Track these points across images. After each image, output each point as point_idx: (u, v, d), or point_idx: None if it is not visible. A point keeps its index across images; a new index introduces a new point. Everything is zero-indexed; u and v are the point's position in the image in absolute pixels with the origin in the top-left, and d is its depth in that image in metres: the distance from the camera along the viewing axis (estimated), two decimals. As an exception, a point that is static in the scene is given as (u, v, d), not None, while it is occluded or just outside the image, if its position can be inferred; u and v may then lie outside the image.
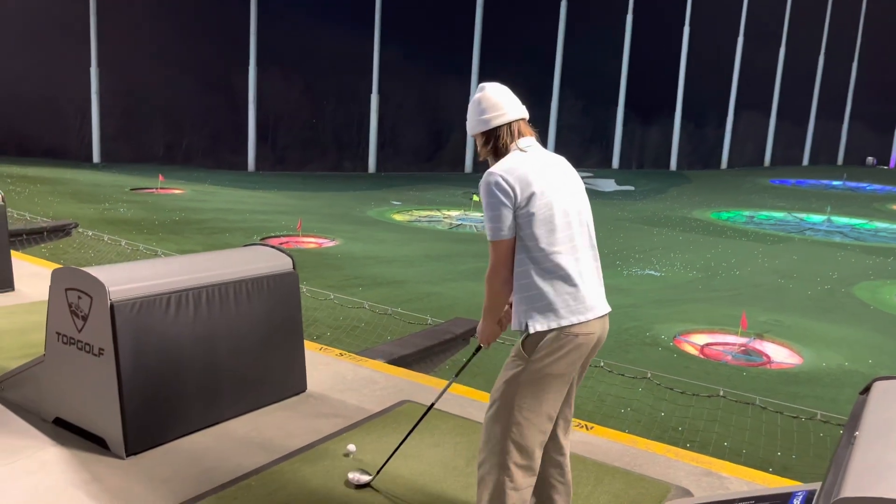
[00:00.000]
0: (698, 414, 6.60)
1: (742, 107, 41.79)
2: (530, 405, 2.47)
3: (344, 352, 5.30)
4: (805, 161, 46.02)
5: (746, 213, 27.33)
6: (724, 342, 11.13)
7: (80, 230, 13.86)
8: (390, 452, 3.39)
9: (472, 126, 2.65)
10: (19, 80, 28.68)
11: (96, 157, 33.37)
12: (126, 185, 24.01)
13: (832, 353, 10.24)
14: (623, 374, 7.06)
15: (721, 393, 6.67)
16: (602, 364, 7.24)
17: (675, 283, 15.17)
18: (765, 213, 27.52)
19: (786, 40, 42.45)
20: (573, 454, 3.55)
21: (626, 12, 39.33)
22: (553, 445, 2.70)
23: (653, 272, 16.09)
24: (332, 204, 24.88)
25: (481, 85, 2.69)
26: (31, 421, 3.68)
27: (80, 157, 32.84)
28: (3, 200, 5.56)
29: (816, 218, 26.46)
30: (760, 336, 11.16)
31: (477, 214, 21.90)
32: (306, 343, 4.55)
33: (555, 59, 38.84)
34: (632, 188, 33.21)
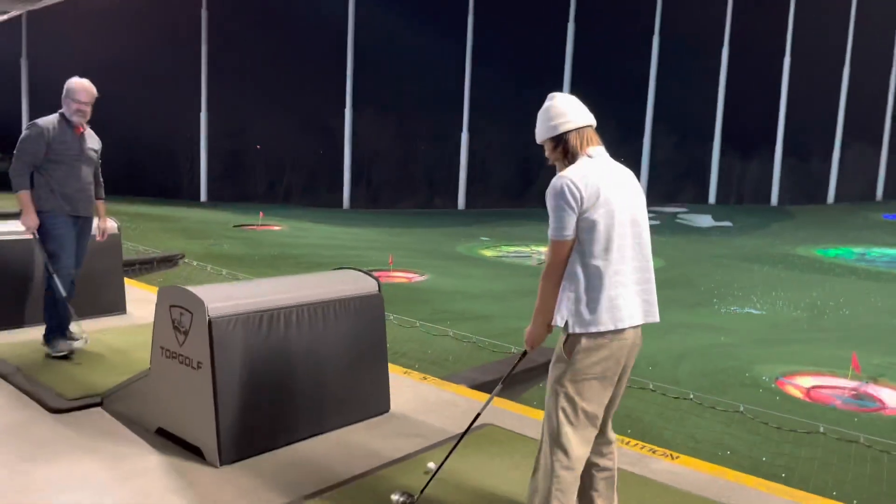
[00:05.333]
0: (796, 449, 6.23)
1: (850, 138, 39.68)
2: (573, 407, 2.60)
3: (427, 376, 5.38)
4: (922, 194, 42.96)
5: (857, 249, 25.77)
6: (832, 385, 10.46)
7: (186, 261, 14.74)
8: (470, 472, 3.44)
9: (541, 132, 2.74)
10: (135, 124, 31.05)
11: (203, 196, 35.45)
12: (230, 222, 25.35)
13: (955, 399, 9.45)
14: (714, 408, 6.77)
15: (821, 429, 6.27)
16: (692, 397, 6.98)
17: (777, 322, 14.45)
18: (878, 249, 25.85)
19: (896, 67, 40.21)
20: (656, 482, 3.47)
21: (722, 45, 38.44)
22: (596, 452, 2.80)
23: (753, 310, 15.39)
24: (423, 240, 25.32)
25: (551, 94, 2.77)
26: (136, 431, 3.93)
27: (189, 196, 35.01)
28: (118, 230, 6.03)
29: (936, 255, 24.62)
30: (874, 380, 10.44)
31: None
32: (391, 366, 4.66)
33: (647, 94, 38.33)
34: (730, 224, 32.00)
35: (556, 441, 2.62)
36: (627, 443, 4.08)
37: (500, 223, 29.17)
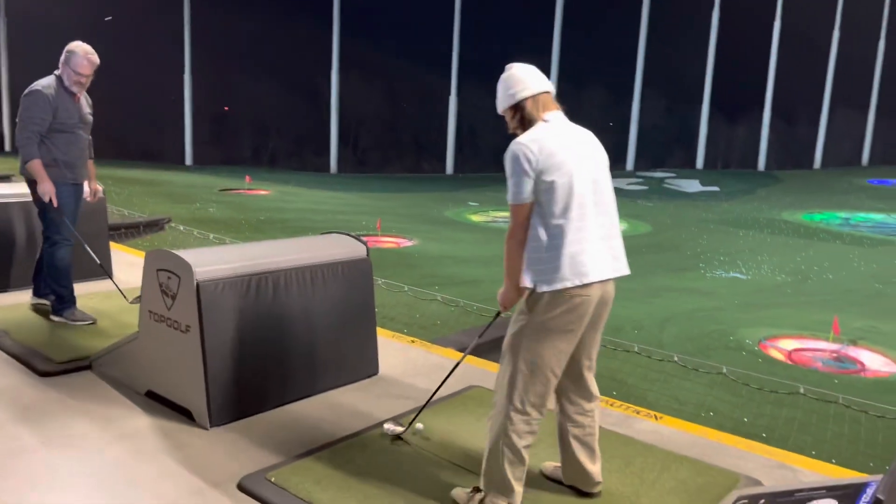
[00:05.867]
0: (776, 410, 6.37)
1: (837, 103, 39.69)
2: (533, 356, 2.69)
3: (416, 339, 5.43)
4: (908, 160, 43.22)
5: (842, 214, 26.00)
6: (814, 348, 10.65)
7: (173, 225, 14.66)
8: (456, 432, 3.51)
9: (501, 102, 2.82)
10: (117, 87, 30.51)
11: (188, 160, 35.06)
12: (215, 186, 25.15)
13: (933, 362, 9.66)
14: (697, 370, 6.90)
15: (801, 390, 6.41)
16: (676, 359, 7.09)
17: (762, 286, 14.63)
18: (862, 214, 26.10)
19: (885, 33, 40.05)
20: (639, 442, 3.55)
21: (713, 7, 38.10)
22: (576, 408, 2.92)
23: (738, 275, 15.55)
24: (411, 205, 25.26)
25: (508, 65, 2.85)
26: (126, 394, 3.96)
27: (174, 160, 34.59)
28: (104, 194, 5.97)
29: (919, 220, 24.89)
30: (854, 342, 10.63)
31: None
32: (379, 330, 4.69)
33: (636, 58, 38.04)
34: (717, 189, 32.14)
35: (513, 389, 2.71)
36: (612, 404, 4.15)
37: (488, 188, 29.12)
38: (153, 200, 19.74)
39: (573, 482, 3.00)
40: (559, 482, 3.06)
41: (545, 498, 2.97)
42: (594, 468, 2.95)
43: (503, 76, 2.83)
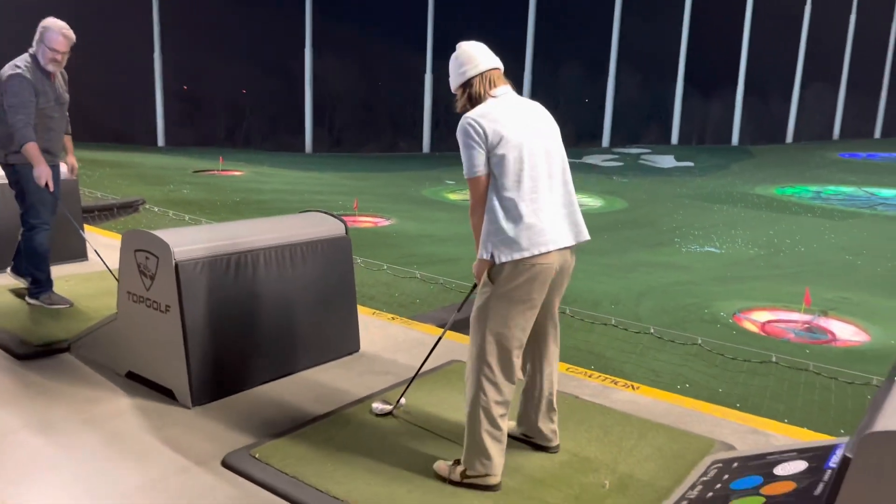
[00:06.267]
0: (750, 380, 6.52)
1: (809, 78, 40.09)
2: (499, 326, 2.75)
3: (396, 316, 5.46)
4: (877, 133, 43.86)
5: (813, 188, 26.38)
6: (786, 319, 10.86)
7: (147, 207, 14.47)
8: (438, 406, 3.56)
9: (453, 81, 2.88)
10: (86, 66, 29.83)
11: (161, 141, 34.50)
12: (189, 168, 24.81)
13: (902, 331, 9.90)
14: (673, 341, 7.02)
15: (773, 359, 6.56)
16: (652, 330, 7.21)
17: (735, 260, 14.84)
18: (833, 188, 26.50)
19: (856, 7, 40.42)
20: (617, 411, 3.62)
21: (687, -18, 38.11)
22: (538, 372, 3.04)
23: (713, 249, 15.76)
24: (388, 184, 25.15)
25: (458, 44, 2.89)
26: (106, 375, 3.94)
27: (145, 142, 34.01)
28: (76, 175, 5.88)
29: (888, 192, 25.34)
30: (825, 313, 10.85)
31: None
32: (359, 307, 4.71)
33: (611, 35, 38.02)
34: (691, 164, 32.40)
35: (482, 361, 2.77)
36: (590, 375, 4.23)
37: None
38: (125, 182, 19.43)
39: (533, 436, 3.13)
40: (519, 439, 3.18)
41: (527, 463, 3.03)
42: (552, 426, 3.11)
43: (453, 55, 2.88)
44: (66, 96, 5.03)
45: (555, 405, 3.12)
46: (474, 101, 2.80)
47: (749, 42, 38.80)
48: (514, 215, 2.68)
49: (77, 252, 6.28)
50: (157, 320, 3.65)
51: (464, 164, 2.73)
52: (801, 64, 40.02)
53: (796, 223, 19.43)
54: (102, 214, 12.91)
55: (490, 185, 2.72)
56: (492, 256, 2.70)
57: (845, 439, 2.66)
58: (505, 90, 2.83)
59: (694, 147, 39.05)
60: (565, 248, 2.80)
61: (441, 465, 2.94)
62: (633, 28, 37.94)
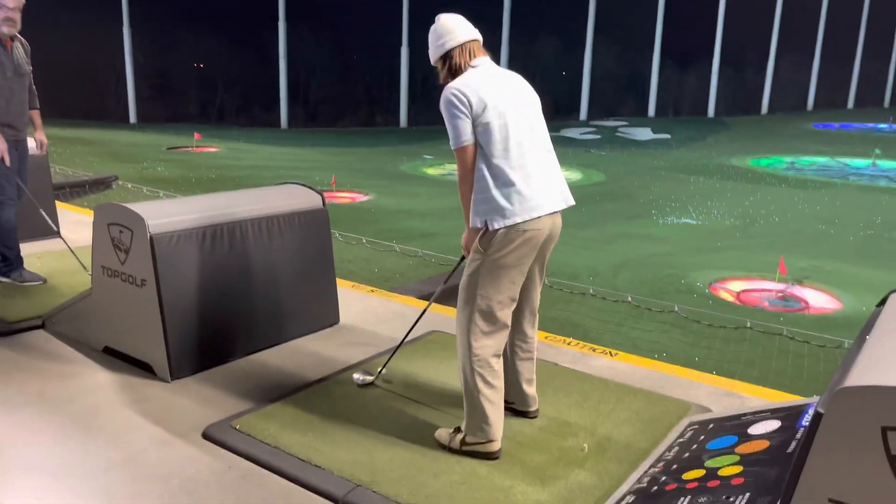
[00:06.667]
0: (725, 346, 6.63)
1: (784, 49, 40.35)
2: (490, 293, 2.77)
3: (375, 288, 5.46)
4: (850, 104, 44.41)
5: (787, 159, 26.68)
6: (761, 289, 11.04)
7: (120, 183, 14.25)
8: (418, 375, 3.58)
9: (432, 53, 2.88)
10: (53, 43, 29.10)
11: (133, 118, 33.86)
12: (163, 145, 24.44)
13: (874, 298, 10.09)
14: (650, 309, 7.11)
15: (748, 325, 6.68)
16: (630, 299, 7.29)
17: (712, 230, 15.02)
18: (807, 158, 26.82)
19: (831, -22, 40.62)
20: (595, 377, 3.67)
21: (663, -47, 37.96)
22: (518, 337, 3.06)
23: (689, 220, 15.92)
24: (365, 159, 24.99)
25: (437, 16, 2.89)
26: (83, 350, 3.90)
27: (117, 118, 33.36)
28: (45, 151, 5.75)
29: (861, 162, 25.72)
30: (799, 282, 11.04)
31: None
32: (339, 280, 4.70)
33: (588, 7, 37.83)
34: (668, 136, 32.56)
35: (473, 327, 2.79)
36: (569, 343, 4.27)
37: (443, 141, 28.78)
38: (98, 160, 19.10)
39: (513, 401, 3.16)
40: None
41: (507, 429, 3.06)
42: (532, 390, 3.16)
43: (432, 27, 2.87)
44: (28, 68, 4.89)
45: (533, 371, 3.16)
46: (455, 72, 2.79)
47: (724, 14, 38.84)
48: (504, 182, 2.68)
49: (48, 229, 6.17)
50: (133, 294, 3.61)
51: (450, 135, 2.71)
52: (776, 36, 40.23)
53: (771, 194, 19.66)
54: (74, 191, 12.69)
55: (477, 154, 2.72)
56: (485, 224, 2.71)
57: (817, 399, 2.72)
58: (484, 61, 2.83)
59: (670, 119, 39.22)
60: (555, 212, 2.83)
61: (442, 433, 2.96)
62: (610, 1, 37.78)
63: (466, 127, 2.68)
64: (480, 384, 2.79)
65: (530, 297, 3.04)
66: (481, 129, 2.68)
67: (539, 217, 2.74)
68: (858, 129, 35.18)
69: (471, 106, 2.67)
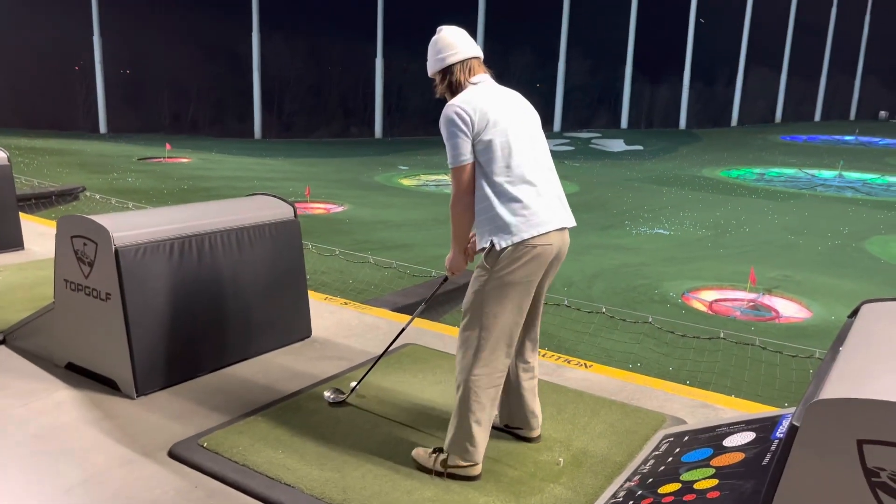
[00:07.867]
0: (699, 357, 6.66)
1: (752, 63, 41.13)
2: (496, 311, 2.68)
3: (349, 301, 5.38)
4: (817, 117, 45.36)
5: (757, 170, 27.09)
6: (733, 298, 11.14)
7: (88, 194, 13.98)
8: (392, 390, 3.52)
9: (431, 66, 2.83)
10: (22, 52, 28.58)
11: (103, 128, 33.34)
12: (133, 155, 24.07)
13: (842, 307, 10.23)
14: (624, 320, 7.12)
15: (721, 335, 6.72)
16: (604, 310, 7.30)
17: (684, 241, 15.14)
18: (775, 170, 27.26)
19: (797, -6, 41.55)
20: (570, 389, 3.64)
21: (634, -32, 38.54)
22: (522, 364, 2.96)
23: (662, 231, 16.05)
24: (340, 170, 24.86)
25: (439, 28, 2.85)
26: (44, 367, 3.79)
27: (86, 128, 32.83)
28: (8, 161, 5.62)
29: (828, 174, 26.20)
30: (769, 291, 11.16)
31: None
32: (311, 293, 4.63)
33: (561, 20, 38.22)
34: (640, 148, 32.92)
35: (478, 348, 2.69)
36: (544, 355, 4.24)
37: (418, 151, 28.91)
38: (66, 171, 18.74)
39: (519, 425, 3.06)
40: (500, 429, 3.10)
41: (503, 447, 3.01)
42: (539, 412, 3.06)
43: (433, 39, 2.82)
44: None
45: (537, 393, 3.06)
46: (454, 88, 2.75)
47: (695, 28, 39.51)
48: (509, 199, 2.63)
49: (12, 241, 6.02)
50: (97, 309, 3.51)
51: (448, 153, 2.66)
52: (745, 51, 40.99)
53: (741, 204, 19.92)
54: (40, 202, 12.41)
55: (478, 172, 2.66)
56: (491, 244, 2.64)
57: (791, 410, 2.72)
58: (484, 78, 2.79)
59: (643, 131, 39.68)
60: (563, 228, 2.76)
61: (420, 453, 2.87)
62: (583, 14, 38.22)
63: (466, 146, 2.64)
64: (474, 405, 2.70)
65: (533, 325, 2.96)
66: (483, 146, 2.64)
67: (547, 232, 2.67)
68: (825, 142, 35.90)
69: (473, 123, 2.62)
